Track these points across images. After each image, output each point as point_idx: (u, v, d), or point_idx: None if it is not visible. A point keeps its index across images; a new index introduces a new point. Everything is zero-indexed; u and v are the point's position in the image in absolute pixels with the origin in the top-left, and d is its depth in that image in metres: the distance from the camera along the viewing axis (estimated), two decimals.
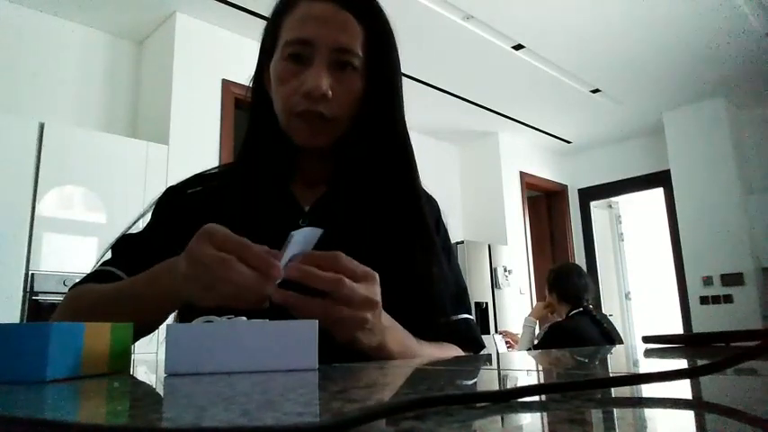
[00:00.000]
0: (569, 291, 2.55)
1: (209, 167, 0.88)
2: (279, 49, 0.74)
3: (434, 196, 0.89)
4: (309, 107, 0.70)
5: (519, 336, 2.91)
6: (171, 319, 0.74)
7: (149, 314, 0.64)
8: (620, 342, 2.50)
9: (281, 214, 0.76)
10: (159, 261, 0.63)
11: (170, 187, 0.83)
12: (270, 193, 0.77)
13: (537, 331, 2.76)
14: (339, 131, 0.73)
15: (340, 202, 0.76)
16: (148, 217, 0.82)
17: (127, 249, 0.77)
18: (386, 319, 0.62)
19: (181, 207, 0.79)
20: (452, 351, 0.76)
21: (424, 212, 0.78)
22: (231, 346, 0.45)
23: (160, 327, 0.67)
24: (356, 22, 0.72)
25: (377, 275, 0.57)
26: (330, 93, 0.69)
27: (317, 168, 0.79)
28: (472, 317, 0.84)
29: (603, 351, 0.84)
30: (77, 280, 0.75)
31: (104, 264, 0.75)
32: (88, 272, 0.76)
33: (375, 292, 0.56)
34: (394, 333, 0.63)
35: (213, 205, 0.74)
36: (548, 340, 2.41)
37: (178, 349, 0.44)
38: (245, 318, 0.50)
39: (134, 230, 0.80)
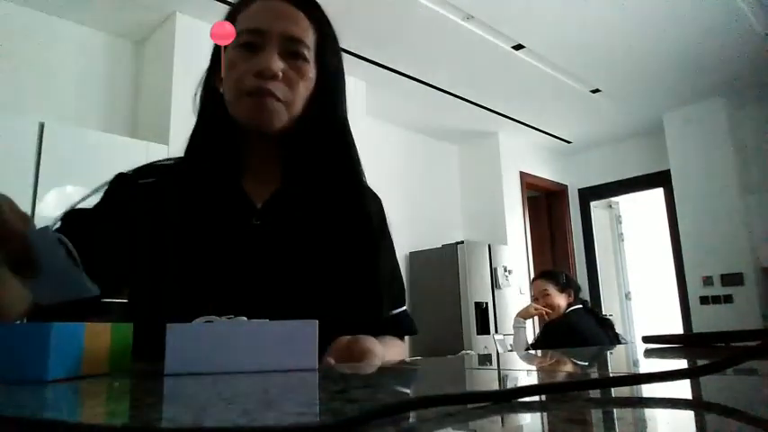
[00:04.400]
0: (569, 280, 2.56)
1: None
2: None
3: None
4: (260, 85, 0.71)
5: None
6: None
7: None
8: (621, 342, 2.50)
9: (234, 211, 0.76)
10: (101, 245, 0.66)
11: (120, 174, 0.81)
12: (222, 190, 0.76)
13: (528, 330, 2.76)
14: (286, 118, 0.73)
15: (292, 199, 0.77)
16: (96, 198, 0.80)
17: (74, 222, 0.77)
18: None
19: (130, 196, 0.77)
20: (398, 348, 0.81)
21: (368, 209, 0.81)
22: (231, 346, 0.45)
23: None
24: (308, 21, 0.76)
25: None
26: (281, 74, 0.72)
27: (267, 165, 0.79)
28: (408, 309, 0.88)
29: (603, 351, 0.84)
30: None
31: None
32: None
33: None
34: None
35: (164, 199, 0.75)
36: (546, 338, 2.41)
37: (178, 349, 0.44)
38: (245, 318, 0.50)
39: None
